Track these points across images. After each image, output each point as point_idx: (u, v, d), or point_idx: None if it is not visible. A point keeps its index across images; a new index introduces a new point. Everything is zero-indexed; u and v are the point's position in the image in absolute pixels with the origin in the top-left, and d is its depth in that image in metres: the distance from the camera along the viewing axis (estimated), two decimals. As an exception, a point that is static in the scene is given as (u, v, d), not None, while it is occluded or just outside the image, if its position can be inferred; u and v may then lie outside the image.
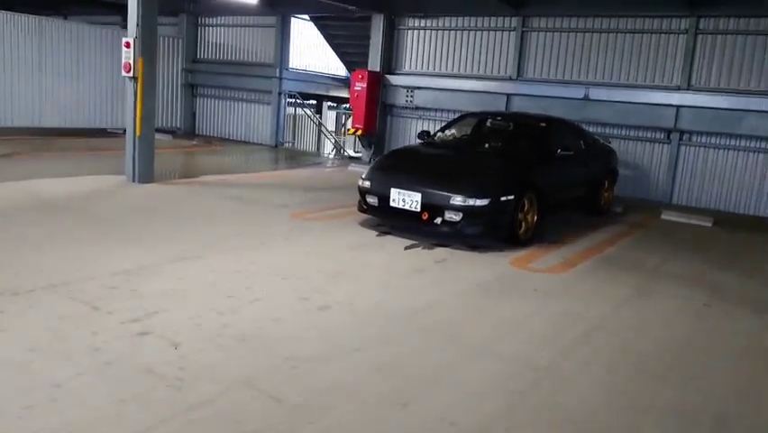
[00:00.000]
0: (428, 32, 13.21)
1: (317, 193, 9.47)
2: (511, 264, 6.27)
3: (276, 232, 6.79)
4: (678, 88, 10.65)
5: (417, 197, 6.71)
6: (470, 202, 6.53)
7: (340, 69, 16.95)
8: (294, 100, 15.71)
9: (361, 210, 7.37)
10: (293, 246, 6.31)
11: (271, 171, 11.56)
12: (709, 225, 9.17)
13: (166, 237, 6.24)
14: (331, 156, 15.86)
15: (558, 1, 11.49)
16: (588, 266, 6.40)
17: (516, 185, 6.83)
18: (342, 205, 8.50)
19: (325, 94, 17.02)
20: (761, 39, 10.02)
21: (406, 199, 6.79)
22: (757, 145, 10.23)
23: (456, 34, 12.87)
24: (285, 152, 14.89)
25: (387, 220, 7.20)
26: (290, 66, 15.46)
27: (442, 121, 13.02)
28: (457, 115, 9.57)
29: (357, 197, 7.46)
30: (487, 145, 7.98)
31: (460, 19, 12.81)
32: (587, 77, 11.48)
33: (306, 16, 15.59)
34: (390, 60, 13.61)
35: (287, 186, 9.92)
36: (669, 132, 10.82)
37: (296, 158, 14.03)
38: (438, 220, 6.69)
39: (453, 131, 8.50)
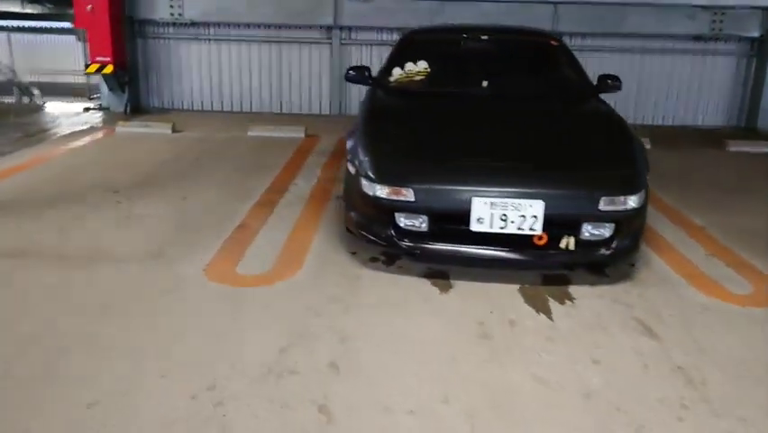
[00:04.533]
0: None
1: (153, 202, 5.13)
2: (718, 298, 3.67)
3: (271, 353, 2.89)
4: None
5: (537, 207, 3.46)
6: (630, 202, 3.58)
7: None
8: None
9: (390, 246, 3.74)
10: (389, 386, 2.62)
11: (-6, 161, 6.31)
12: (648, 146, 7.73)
13: None
14: (47, 109, 10.16)
15: None
16: None
17: (645, 154, 4.05)
18: (240, 220, 4.61)
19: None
20: None
21: (509, 215, 3.48)
22: (639, 45, 9.03)
23: None
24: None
25: (454, 256, 3.73)
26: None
27: (236, 41, 8.96)
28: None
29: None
30: (512, 86, 4.84)
31: None
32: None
33: None
34: (130, -50, 8.69)
35: (78, 195, 5.24)
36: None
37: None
38: (567, 243, 3.60)
39: (421, 64, 5.05)
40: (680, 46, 9.02)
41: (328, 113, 9.17)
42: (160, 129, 7.75)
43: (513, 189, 3.50)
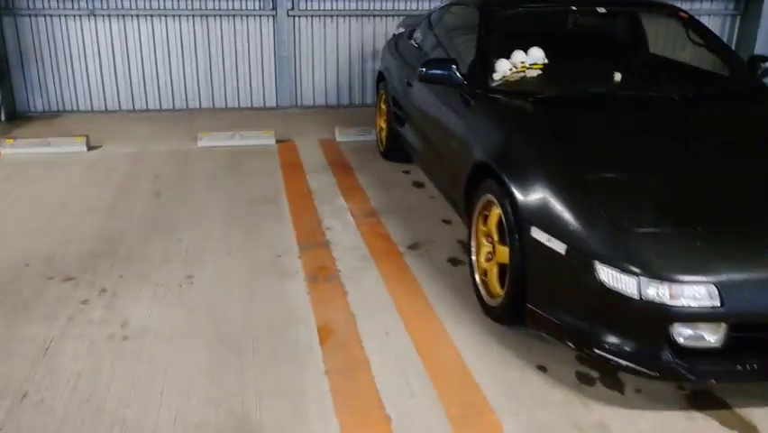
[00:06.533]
0: None
1: (143, 294, 3.24)
2: None
3: None
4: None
5: None
6: None
7: None
8: None
9: (666, 376, 2.27)
10: None
11: None
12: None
13: None
14: None
15: None
16: None
17: None
18: (312, 318, 2.93)
19: None
20: None
21: None
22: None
23: None
24: None
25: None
26: None
27: (149, 17, 6.76)
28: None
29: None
30: (669, 82, 3.50)
31: None
32: None
33: None
34: None
35: (7, 289, 3.18)
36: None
37: None
38: None
39: (535, 54, 3.46)
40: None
41: (275, 105, 7.28)
42: (70, 146, 5.50)
43: None
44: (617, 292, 2.20)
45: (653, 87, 3.44)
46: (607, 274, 2.22)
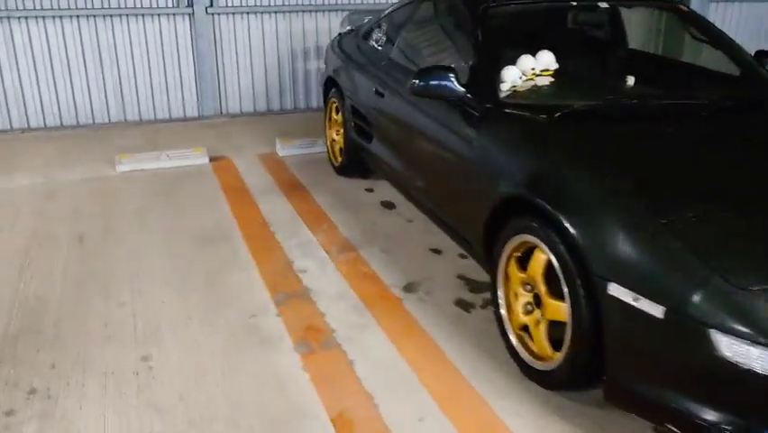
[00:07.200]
0: None
1: (88, 392, 2.49)
2: None
3: None
4: None
5: None
6: None
7: None
8: None
9: None
10: None
11: None
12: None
13: None
14: None
15: None
16: None
17: None
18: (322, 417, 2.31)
19: None
20: None
21: None
22: None
23: None
24: None
25: None
26: None
27: (40, 18, 5.77)
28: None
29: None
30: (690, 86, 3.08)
31: None
32: None
33: None
34: None
35: None
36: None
37: None
38: None
39: (544, 58, 2.95)
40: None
41: (198, 114, 6.44)
42: (-45, 181, 4.52)
43: None
44: (746, 370, 1.74)
45: (684, 94, 3.01)
46: (730, 347, 1.76)
